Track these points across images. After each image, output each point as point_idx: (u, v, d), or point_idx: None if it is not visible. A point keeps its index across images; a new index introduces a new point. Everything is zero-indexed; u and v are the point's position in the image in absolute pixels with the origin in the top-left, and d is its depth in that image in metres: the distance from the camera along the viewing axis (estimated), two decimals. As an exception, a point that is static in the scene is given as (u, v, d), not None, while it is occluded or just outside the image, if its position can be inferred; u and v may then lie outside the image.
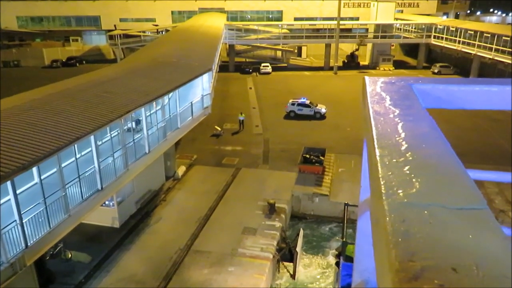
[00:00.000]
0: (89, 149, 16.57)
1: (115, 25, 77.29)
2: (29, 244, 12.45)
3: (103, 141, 19.33)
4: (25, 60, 71.31)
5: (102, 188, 15.97)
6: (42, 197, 13.29)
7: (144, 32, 72.25)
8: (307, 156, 29.76)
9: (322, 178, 28.23)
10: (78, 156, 18.23)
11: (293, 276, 21.00)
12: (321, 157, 29.81)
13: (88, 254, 20.27)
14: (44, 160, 12.35)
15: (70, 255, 20.01)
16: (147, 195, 25.28)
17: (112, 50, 73.10)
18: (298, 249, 21.15)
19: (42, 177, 15.71)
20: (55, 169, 14.25)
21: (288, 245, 21.86)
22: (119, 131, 17.94)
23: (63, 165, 16.65)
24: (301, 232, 22.45)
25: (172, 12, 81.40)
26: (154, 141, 20.39)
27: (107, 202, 21.75)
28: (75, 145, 15.58)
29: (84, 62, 71.39)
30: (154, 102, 19.54)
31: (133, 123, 21.18)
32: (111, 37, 68.62)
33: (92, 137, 15.13)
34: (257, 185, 27.56)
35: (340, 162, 30.79)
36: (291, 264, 21.27)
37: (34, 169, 13.66)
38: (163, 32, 69.43)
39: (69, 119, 14.79)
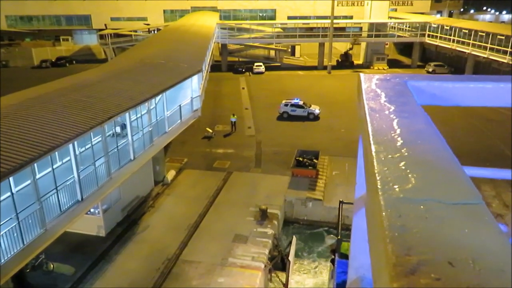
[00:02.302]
0: (69, 157, 15.67)
1: (105, 24, 76.09)
2: (-1, 263, 11.61)
3: (86, 147, 18.44)
4: (14, 60, 69.97)
5: (82, 199, 15.11)
6: (14, 212, 12.40)
7: (135, 31, 71.17)
8: (300, 159, 29.04)
9: (316, 182, 27.51)
10: (58, 164, 17.49)
11: (285, 285, 20.23)
12: (314, 160, 29.09)
13: (71, 266, 19.38)
14: (16, 173, 11.48)
15: (52, 267, 19.12)
16: (135, 202, 24.41)
17: (103, 49, 71.95)
18: (291, 258, 20.40)
19: (16, 189, 14.90)
20: (29, 181, 13.37)
21: (280, 253, 21.12)
22: (101, 138, 17.05)
23: (40, 175, 15.91)
24: (294, 240, 21.70)
25: (164, 11, 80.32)
26: (140, 147, 19.53)
27: (92, 210, 20.90)
28: (54, 154, 14.81)
29: (74, 62, 70.15)
30: (139, 107, 18.67)
31: (119, 127, 20.34)
32: (101, 37, 67.50)
33: (70, 146, 14.25)
34: (249, 190, 26.78)
35: (334, 165, 30.09)
36: (284, 273, 20.53)
37: (7, 181, 12.74)
38: (155, 32, 68.42)
39: (46, 127, 13.91)
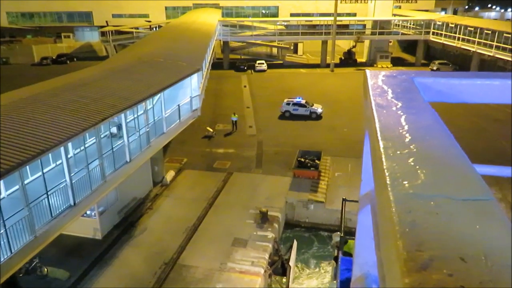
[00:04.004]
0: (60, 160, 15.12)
1: (106, 21, 75.53)
2: (-16, 273, 11.08)
3: (81, 148, 17.87)
4: (15, 57, 69.51)
5: (75, 203, 14.56)
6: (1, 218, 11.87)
7: (136, 28, 70.55)
8: (302, 159, 28.43)
9: (318, 183, 26.91)
10: (52, 166, 16.97)
11: (286, 291, 19.71)
12: (316, 160, 28.49)
13: (66, 270, 18.87)
14: (1, 179, 10.94)
15: (46, 271, 18.60)
16: (132, 204, 23.87)
17: (104, 47, 71.37)
18: (292, 262, 19.84)
19: (7, 193, 14.41)
20: (17, 186, 12.84)
21: (281, 257, 20.56)
22: (95, 139, 16.49)
23: (33, 177, 15.40)
24: (295, 244, 21.13)
25: (166, 8, 79.71)
26: (136, 148, 18.96)
27: (88, 212, 20.38)
28: (47, 156, 14.27)
29: (75, 59, 69.63)
30: (136, 107, 18.08)
31: (115, 128, 19.80)
32: (103, 34, 66.92)
33: (62, 149, 13.70)
34: (249, 191, 26.20)
35: (336, 166, 29.48)
36: (284, 278, 19.99)
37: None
38: (156, 29, 67.79)
39: (37, 129, 13.35)
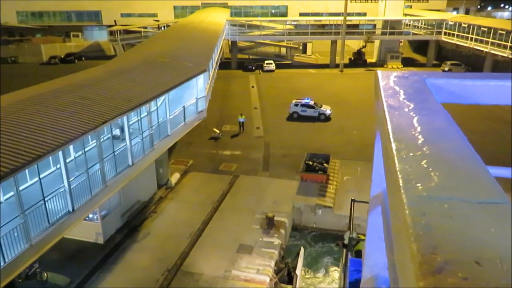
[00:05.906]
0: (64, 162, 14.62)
1: (115, 21, 75.42)
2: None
3: (82, 151, 17.38)
4: (23, 57, 69.65)
5: (73, 209, 14.05)
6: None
7: (145, 28, 70.31)
8: (310, 163, 27.74)
9: (326, 188, 26.20)
10: (53, 169, 16.52)
11: (292, 300, 19.05)
12: (325, 164, 27.78)
13: (66, 275, 18.40)
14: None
15: (46, 277, 18.13)
16: (136, 207, 23.36)
17: (112, 46, 71.27)
18: (298, 271, 19.16)
19: (5, 198, 13.97)
20: (12, 193, 12.35)
21: (287, 265, 19.90)
22: (96, 143, 15.99)
23: (31, 182, 14.96)
24: (302, 251, 20.45)
25: (175, 7, 79.48)
26: (139, 151, 18.42)
27: (90, 216, 19.92)
28: (46, 160, 13.79)
29: (83, 58, 69.56)
30: (138, 110, 17.55)
31: (118, 130, 19.29)
32: (111, 33, 66.79)
33: (60, 153, 13.20)
34: (256, 195, 25.57)
35: (345, 169, 28.74)
36: (290, 286, 19.33)
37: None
38: (164, 28, 67.50)
39: (35, 133, 12.85)
